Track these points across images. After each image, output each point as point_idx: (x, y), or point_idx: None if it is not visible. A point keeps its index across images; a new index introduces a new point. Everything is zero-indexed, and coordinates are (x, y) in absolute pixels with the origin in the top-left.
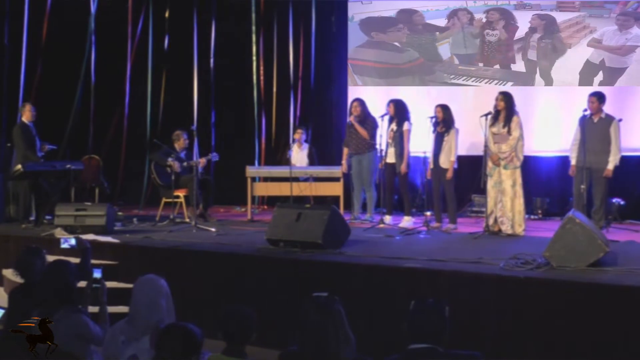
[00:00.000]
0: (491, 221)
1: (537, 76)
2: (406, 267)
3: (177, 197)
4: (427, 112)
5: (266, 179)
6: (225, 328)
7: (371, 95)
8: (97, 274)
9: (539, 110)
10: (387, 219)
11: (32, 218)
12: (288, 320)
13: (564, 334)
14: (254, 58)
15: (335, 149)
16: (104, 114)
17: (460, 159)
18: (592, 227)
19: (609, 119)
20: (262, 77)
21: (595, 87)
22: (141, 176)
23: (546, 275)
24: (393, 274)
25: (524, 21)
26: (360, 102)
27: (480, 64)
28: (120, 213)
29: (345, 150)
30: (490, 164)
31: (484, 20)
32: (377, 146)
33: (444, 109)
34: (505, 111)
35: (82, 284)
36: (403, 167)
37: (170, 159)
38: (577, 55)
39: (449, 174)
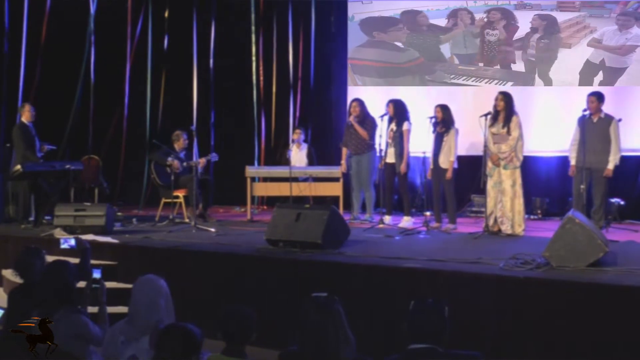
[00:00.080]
0: (491, 221)
1: (537, 76)
2: (406, 267)
3: (177, 197)
4: (426, 112)
5: (266, 179)
6: (225, 328)
7: (371, 95)
8: (96, 275)
9: (539, 110)
10: (387, 219)
11: (31, 218)
12: (288, 321)
13: (564, 334)
14: (254, 58)
15: (335, 149)
16: (103, 114)
17: (460, 159)
18: (591, 227)
19: (609, 118)
20: (261, 77)
21: (595, 87)
22: (141, 176)
23: (546, 275)
24: (393, 274)
25: (524, 21)
26: (360, 102)
27: (481, 64)
28: (119, 213)
29: (344, 151)
30: (489, 164)
31: (485, 20)
32: (377, 146)
33: (444, 109)
34: (504, 111)
35: (81, 284)
36: (403, 167)
37: (170, 159)
38: (577, 55)
39: (449, 174)
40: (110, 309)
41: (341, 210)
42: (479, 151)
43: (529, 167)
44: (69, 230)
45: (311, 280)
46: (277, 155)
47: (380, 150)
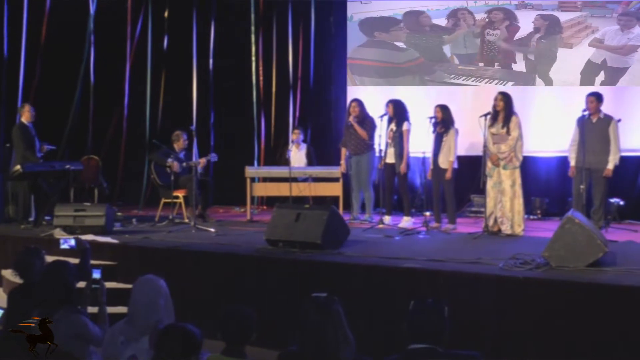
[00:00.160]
0: (491, 222)
1: (538, 76)
2: (405, 267)
3: (177, 197)
4: (426, 112)
5: (265, 180)
6: (224, 328)
7: (370, 96)
8: (96, 275)
9: (539, 110)
10: (387, 219)
11: (31, 218)
12: (287, 321)
13: (563, 334)
14: (253, 58)
15: (335, 149)
16: (103, 114)
17: (460, 159)
18: (591, 227)
19: (608, 118)
20: (261, 78)
21: (596, 87)
22: (140, 176)
23: (545, 275)
24: (392, 274)
25: (525, 21)
26: (359, 103)
27: (481, 64)
28: (119, 213)
29: (344, 151)
30: (489, 164)
31: (486, 20)
32: (376, 146)
33: (443, 109)
34: (504, 111)
35: (81, 284)
36: (403, 167)
37: (169, 160)
38: (579, 55)
39: (448, 174)
40: (110, 309)
41: (341, 211)
42: (478, 151)
43: (529, 167)
44: (69, 231)
45: (311, 280)
46: (277, 155)
47: (380, 150)
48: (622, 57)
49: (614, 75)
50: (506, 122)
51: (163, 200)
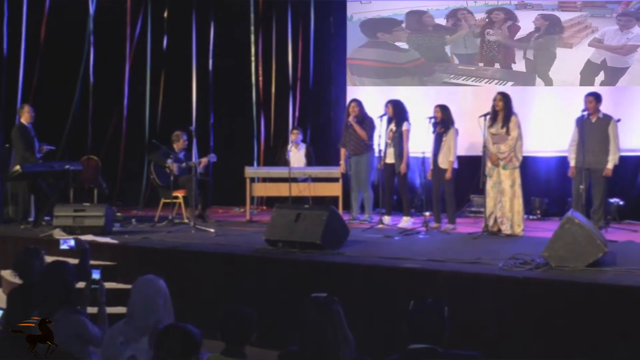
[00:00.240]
0: (491, 222)
1: (538, 76)
2: (405, 267)
3: (176, 197)
4: (426, 112)
5: (265, 180)
6: (224, 328)
7: (370, 96)
8: (95, 275)
9: (539, 110)
10: (386, 219)
11: (30, 219)
12: (287, 321)
13: (563, 334)
14: (253, 58)
15: (334, 150)
16: (102, 114)
17: (459, 159)
18: (591, 227)
19: (607, 118)
20: (260, 78)
21: (596, 87)
22: (140, 177)
23: (545, 275)
24: (392, 274)
25: (525, 21)
26: (358, 103)
27: (481, 64)
28: (118, 214)
29: (343, 151)
30: (489, 164)
31: (486, 20)
32: (375, 147)
33: (443, 109)
34: (503, 111)
35: (81, 284)
36: (403, 167)
37: (169, 160)
38: (579, 55)
39: (448, 174)
40: (110, 310)
41: (340, 211)
42: (478, 151)
43: (529, 167)
44: (68, 231)
45: (310, 280)
46: (276, 155)
47: (380, 150)
48: (622, 57)
49: (613, 75)
50: (505, 122)
51: (162, 201)
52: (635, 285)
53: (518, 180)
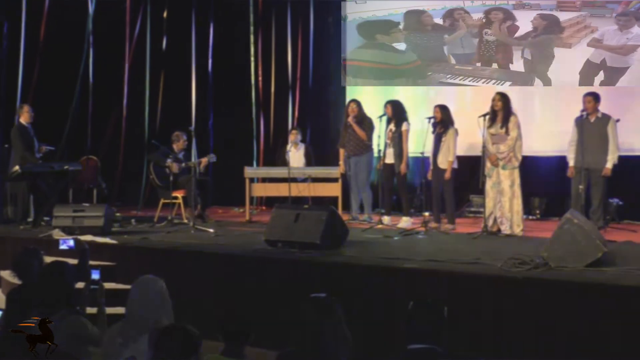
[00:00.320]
0: (490, 222)
1: (536, 76)
2: (405, 267)
3: (175, 198)
4: (424, 112)
5: (264, 180)
6: (223, 329)
7: (369, 96)
8: (95, 275)
9: (538, 110)
10: (386, 219)
11: (30, 219)
12: (286, 321)
13: (562, 334)
14: (252, 58)
15: (334, 150)
16: (102, 114)
17: (459, 159)
18: (590, 228)
19: (606, 118)
20: (260, 78)
21: (596, 87)
22: (139, 177)
23: (544, 275)
24: (391, 274)
25: (523, 21)
26: (357, 103)
27: (478, 64)
28: (118, 214)
29: (342, 152)
30: (488, 164)
31: (483, 20)
32: (374, 147)
33: (443, 109)
34: (502, 111)
35: (80, 285)
36: (403, 168)
37: (169, 160)
38: (578, 55)
39: (447, 174)
40: (109, 310)
41: (340, 211)
42: (477, 152)
43: (528, 167)
44: (68, 231)
45: (310, 280)
46: (276, 156)
47: (379, 151)
48: (622, 57)
49: (613, 75)
50: (505, 122)
51: (162, 201)
52: (634, 285)
53: (517, 181)
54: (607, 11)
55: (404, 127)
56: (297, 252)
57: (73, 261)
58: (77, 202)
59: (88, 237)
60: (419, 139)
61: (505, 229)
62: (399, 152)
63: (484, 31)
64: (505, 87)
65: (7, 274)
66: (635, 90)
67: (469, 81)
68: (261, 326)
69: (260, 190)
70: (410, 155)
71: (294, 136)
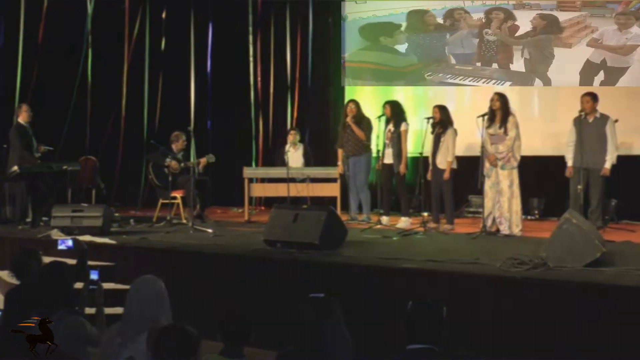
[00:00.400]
0: (489, 222)
1: (536, 76)
2: (403, 267)
3: (174, 198)
4: (423, 112)
5: (263, 180)
6: (223, 329)
7: (368, 96)
8: (93, 276)
9: (537, 110)
10: (385, 219)
11: (28, 219)
12: (285, 321)
13: (561, 334)
14: (251, 59)
15: (332, 150)
16: (100, 114)
17: (458, 159)
18: (588, 228)
19: (604, 118)
20: (259, 78)
21: (596, 87)
22: (138, 177)
23: (543, 275)
24: (390, 274)
25: (523, 21)
26: (356, 103)
27: (478, 64)
28: (117, 214)
29: (340, 152)
30: (487, 164)
31: (483, 19)
32: (373, 147)
33: (441, 109)
34: (501, 111)
35: (79, 285)
36: (402, 168)
37: (167, 159)
38: (578, 55)
39: (446, 175)
40: (108, 310)
41: (339, 211)
42: (476, 152)
43: (527, 167)
44: (66, 231)
45: (309, 280)
46: (275, 156)
47: (378, 151)
48: (622, 57)
49: (613, 75)
50: (503, 123)
51: (161, 201)
52: (633, 285)
53: (516, 181)
54: (608, 11)
55: (402, 127)
56: (296, 252)
57: (72, 261)
58: (75, 202)
59: (87, 237)
60: (418, 139)
61: (504, 229)
62: (398, 152)
63: (484, 31)
64: (506, 87)
65: (5, 274)
66: (634, 91)
67: (469, 81)
68: (260, 326)
69: (259, 190)
70: (409, 155)
71: (292, 136)
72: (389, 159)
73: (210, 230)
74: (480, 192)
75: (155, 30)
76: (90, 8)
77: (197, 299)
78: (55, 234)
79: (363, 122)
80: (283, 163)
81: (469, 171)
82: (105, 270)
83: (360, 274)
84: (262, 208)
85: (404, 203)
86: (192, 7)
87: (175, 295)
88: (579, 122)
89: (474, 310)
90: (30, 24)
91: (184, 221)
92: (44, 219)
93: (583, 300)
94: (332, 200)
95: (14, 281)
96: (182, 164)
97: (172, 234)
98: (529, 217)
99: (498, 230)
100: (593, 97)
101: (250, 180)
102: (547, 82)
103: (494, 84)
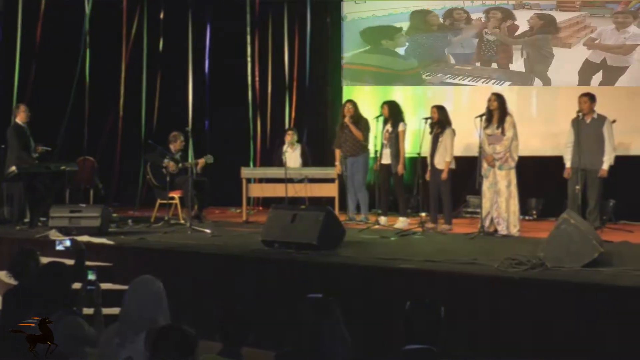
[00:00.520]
0: (487, 222)
1: (536, 76)
2: (401, 267)
3: (172, 198)
4: (422, 113)
5: (261, 180)
6: (221, 329)
7: (367, 97)
8: (91, 276)
9: (536, 110)
10: (382, 220)
11: (26, 220)
12: (283, 322)
13: (559, 334)
14: (249, 59)
15: (330, 150)
16: (98, 115)
17: (456, 159)
18: (586, 228)
19: (602, 118)
20: (257, 78)
21: (595, 87)
22: (136, 177)
23: (541, 275)
24: (388, 274)
25: (523, 21)
26: (353, 104)
27: (477, 64)
28: (115, 214)
29: (338, 152)
30: (485, 165)
31: (482, 19)
32: (371, 147)
33: (440, 109)
34: (498, 112)
35: (76, 285)
36: (400, 168)
37: (166, 160)
38: (577, 54)
39: (444, 175)
40: (106, 311)
41: (337, 211)
42: (474, 152)
43: (525, 167)
44: (64, 232)
45: (307, 281)
46: (273, 156)
47: (376, 151)
48: (621, 57)
49: (612, 75)
50: (501, 123)
51: (159, 201)
52: (630, 286)
53: (514, 181)
54: (607, 11)
55: (400, 127)
56: (294, 252)
57: (70, 262)
58: (73, 202)
59: (85, 238)
60: (416, 140)
61: (502, 229)
62: (396, 152)
63: (483, 31)
64: (505, 87)
65: (3, 275)
66: (634, 90)
67: (468, 81)
68: (259, 326)
69: (257, 190)
70: (407, 155)
71: (290, 137)
72: (386, 159)
73: (208, 231)
74: (478, 192)
75: (153, 30)
76: (88, 8)
77: (195, 299)
78: (53, 234)
79: (361, 122)
80: (281, 163)
81: (467, 171)
82: (103, 271)
83: (358, 274)
84: (260, 208)
85: (401, 203)
86: (190, 7)
87: (174, 296)
88: (576, 123)
89: (472, 310)
90: (27, 23)
91: (182, 221)
92: (42, 219)
93: (581, 300)
94: (330, 200)
95: (12, 281)
96: (180, 165)
97: (170, 235)
98: (526, 218)
99: (496, 231)
100: (591, 97)
101: (248, 180)
102: (546, 82)
103: (493, 83)
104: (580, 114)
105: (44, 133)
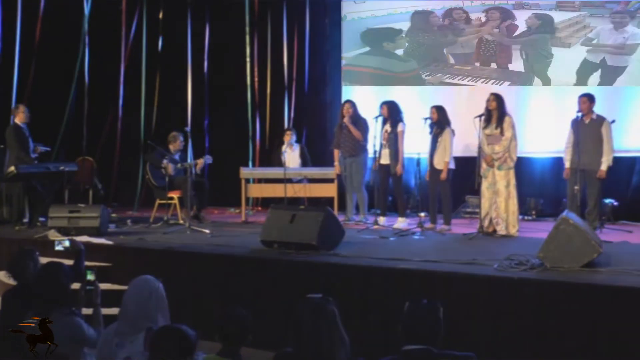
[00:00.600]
0: (486, 222)
1: (535, 76)
2: (400, 268)
3: (171, 198)
4: (421, 113)
5: (260, 181)
6: (220, 330)
7: (365, 97)
8: (90, 276)
9: (535, 110)
10: (382, 220)
11: (25, 220)
12: (283, 322)
13: (558, 334)
14: (248, 59)
15: (329, 151)
16: (97, 115)
17: (455, 160)
18: (585, 228)
19: (600, 119)
20: (256, 79)
21: (593, 87)
22: (135, 178)
23: (540, 276)
24: (387, 275)
25: (522, 20)
26: (352, 104)
27: (477, 64)
28: (114, 215)
29: (336, 152)
30: (484, 165)
31: (482, 19)
32: (370, 147)
33: (439, 110)
34: (497, 112)
35: (75, 285)
36: (399, 168)
37: (164, 161)
38: (576, 54)
39: (444, 175)
40: (105, 311)
41: (336, 212)
42: (473, 152)
43: (524, 167)
44: (64, 232)
45: (306, 281)
46: (272, 156)
47: (375, 151)
48: (620, 57)
49: (611, 75)
50: (499, 123)
51: (158, 202)
52: (629, 286)
53: (513, 181)
54: (606, 11)
55: (399, 127)
56: (293, 252)
57: (69, 262)
58: (72, 202)
59: (84, 238)
60: (415, 140)
61: (500, 229)
62: (395, 152)
63: (483, 31)
64: (504, 87)
65: (2, 275)
66: (632, 91)
67: (468, 81)
68: (258, 327)
69: (256, 191)
70: (406, 156)
71: (288, 137)
72: (385, 160)
73: (207, 231)
74: (477, 192)
75: (152, 31)
76: (87, 8)
77: (195, 300)
78: (52, 234)
79: (359, 123)
80: (280, 163)
81: (467, 171)
82: (102, 271)
83: (357, 275)
84: (259, 209)
85: (400, 203)
86: (189, 7)
87: (173, 296)
88: (575, 124)
89: (471, 311)
90: (27, 23)
91: (181, 222)
92: (41, 219)
93: (580, 300)
94: (329, 200)
95: (11, 282)
96: (179, 165)
97: (169, 235)
98: (526, 218)
99: (495, 231)
100: (590, 98)
101: (247, 180)
102: (546, 81)
103: (492, 83)
104: (580, 114)
105: (43, 133)
